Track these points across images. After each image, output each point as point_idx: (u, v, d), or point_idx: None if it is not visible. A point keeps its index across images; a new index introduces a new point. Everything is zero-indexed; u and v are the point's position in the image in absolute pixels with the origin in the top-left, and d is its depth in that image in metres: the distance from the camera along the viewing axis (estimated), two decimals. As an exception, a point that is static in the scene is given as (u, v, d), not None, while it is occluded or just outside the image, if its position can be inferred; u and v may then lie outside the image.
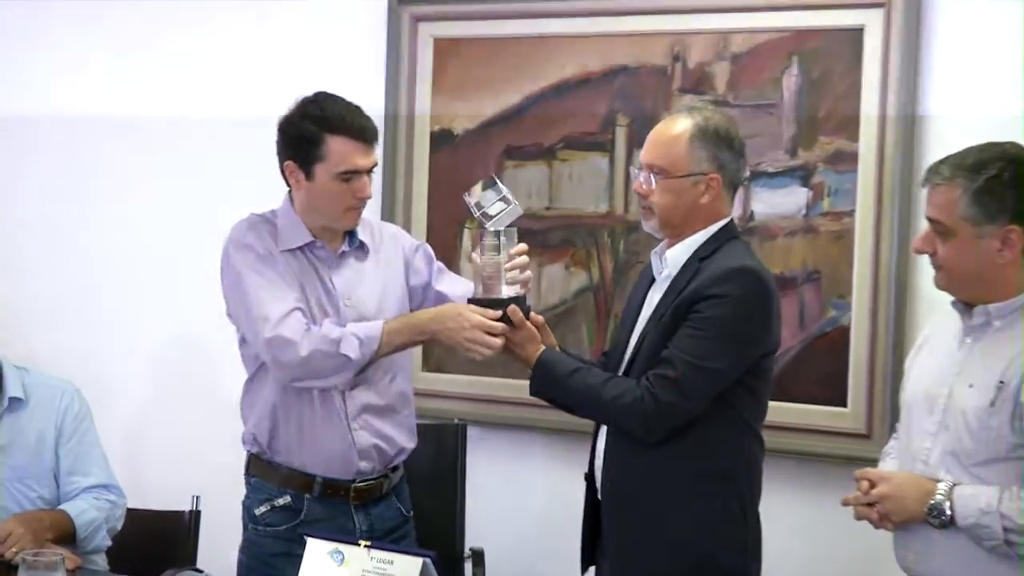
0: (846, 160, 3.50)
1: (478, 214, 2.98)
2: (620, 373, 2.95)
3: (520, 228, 3.67)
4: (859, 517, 2.82)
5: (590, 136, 3.79)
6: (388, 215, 3.97)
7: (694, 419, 2.83)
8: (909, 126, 3.42)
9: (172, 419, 4.38)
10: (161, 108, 4.39)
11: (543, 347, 2.99)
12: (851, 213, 3.50)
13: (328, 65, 4.03)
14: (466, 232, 3.90)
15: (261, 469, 3.18)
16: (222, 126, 4.27)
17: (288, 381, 3.06)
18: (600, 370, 2.98)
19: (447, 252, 3.82)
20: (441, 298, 3.22)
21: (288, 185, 3.16)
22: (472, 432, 3.82)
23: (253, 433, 3.17)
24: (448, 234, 3.94)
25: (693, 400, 2.81)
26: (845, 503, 2.84)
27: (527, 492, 3.93)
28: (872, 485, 2.78)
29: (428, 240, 3.72)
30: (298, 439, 3.11)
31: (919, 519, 2.69)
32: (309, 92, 3.70)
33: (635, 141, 3.68)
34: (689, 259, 2.91)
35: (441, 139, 3.97)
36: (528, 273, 3.02)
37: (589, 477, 3.06)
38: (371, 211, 3.80)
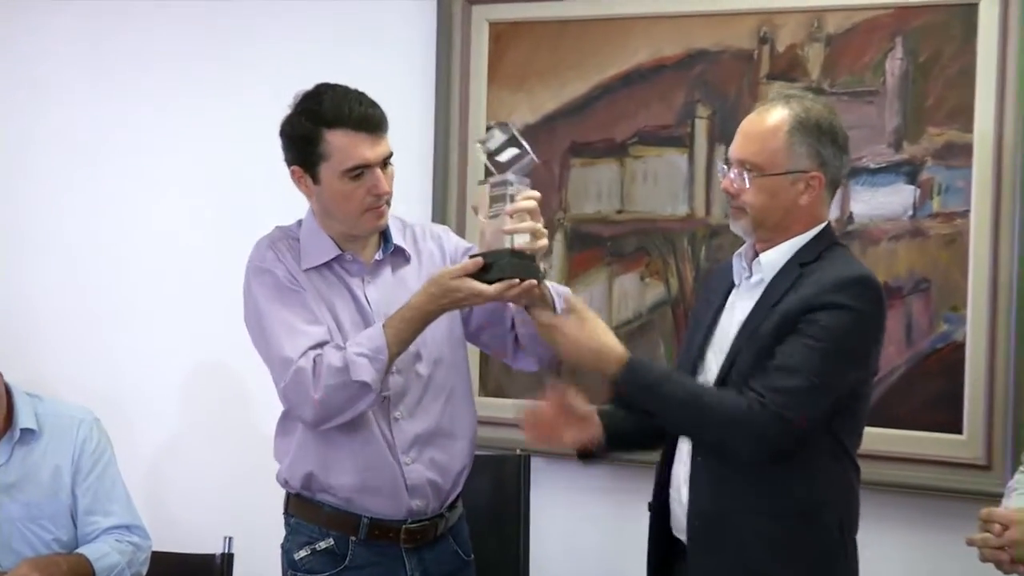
0: (958, 154, 3.41)
1: (487, 160, 2.84)
2: None
3: (589, 234, 3.76)
4: (986, 560, 2.66)
5: (666, 130, 3.71)
6: (440, 218, 3.91)
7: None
8: (1031, 114, 3.35)
9: (202, 452, 4.34)
10: (187, 115, 4.36)
11: (624, 350, 2.83)
12: (965, 214, 3.41)
13: (372, 54, 4.00)
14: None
15: (301, 508, 3.06)
16: (257, 132, 4.15)
17: (313, 427, 2.95)
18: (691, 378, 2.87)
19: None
20: (492, 306, 3.05)
21: (304, 195, 3.03)
22: (536, 463, 3.75)
23: (286, 478, 3.07)
24: (507, 241, 3.83)
25: (813, 419, 2.69)
26: (971, 543, 2.68)
27: (598, 530, 3.84)
28: (1004, 528, 2.62)
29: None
30: (340, 476, 3.00)
31: None
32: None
33: (717, 135, 3.64)
34: (787, 264, 2.80)
35: (498, 135, 3.91)
36: (539, 226, 2.80)
37: (655, 507, 2.94)
38: (422, 213, 3.85)
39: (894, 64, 3.45)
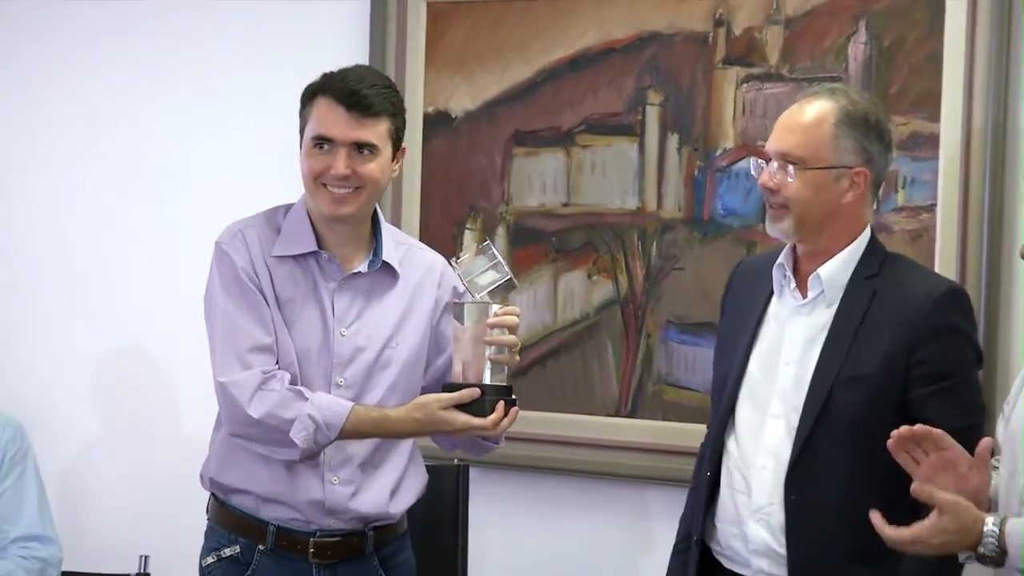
0: (925, 144, 3.39)
1: (465, 283, 2.96)
2: (795, 432, 2.79)
3: (533, 229, 3.76)
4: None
5: (615, 118, 3.68)
6: (372, 211, 3.84)
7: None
8: (1001, 103, 3.31)
9: (119, 463, 4.26)
10: (94, 102, 4.31)
11: None
12: (931, 208, 3.39)
13: (302, 35, 4.00)
14: (467, 234, 3.84)
15: (217, 511, 3.06)
16: (177, 105, 4.20)
17: (230, 434, 2.97)
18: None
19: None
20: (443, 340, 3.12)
21: None
22: (475, 474, 3.71)
23: (209, 475, 3.05)
24: (445, 236, 3.85)
25: None
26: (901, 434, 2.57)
27: (538, 542, 3.83)
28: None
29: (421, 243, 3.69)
30: (251, 477, 2.99)
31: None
32: (280, 70, 3.60)
33: (669, 123, 3.61)
34: (852, 280, 2.85)
35: (436, 122, 3.87)
36: (514, 338, 2.94)
37: (698, 541, 2.94)
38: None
39: (857, 49, 3.43)
